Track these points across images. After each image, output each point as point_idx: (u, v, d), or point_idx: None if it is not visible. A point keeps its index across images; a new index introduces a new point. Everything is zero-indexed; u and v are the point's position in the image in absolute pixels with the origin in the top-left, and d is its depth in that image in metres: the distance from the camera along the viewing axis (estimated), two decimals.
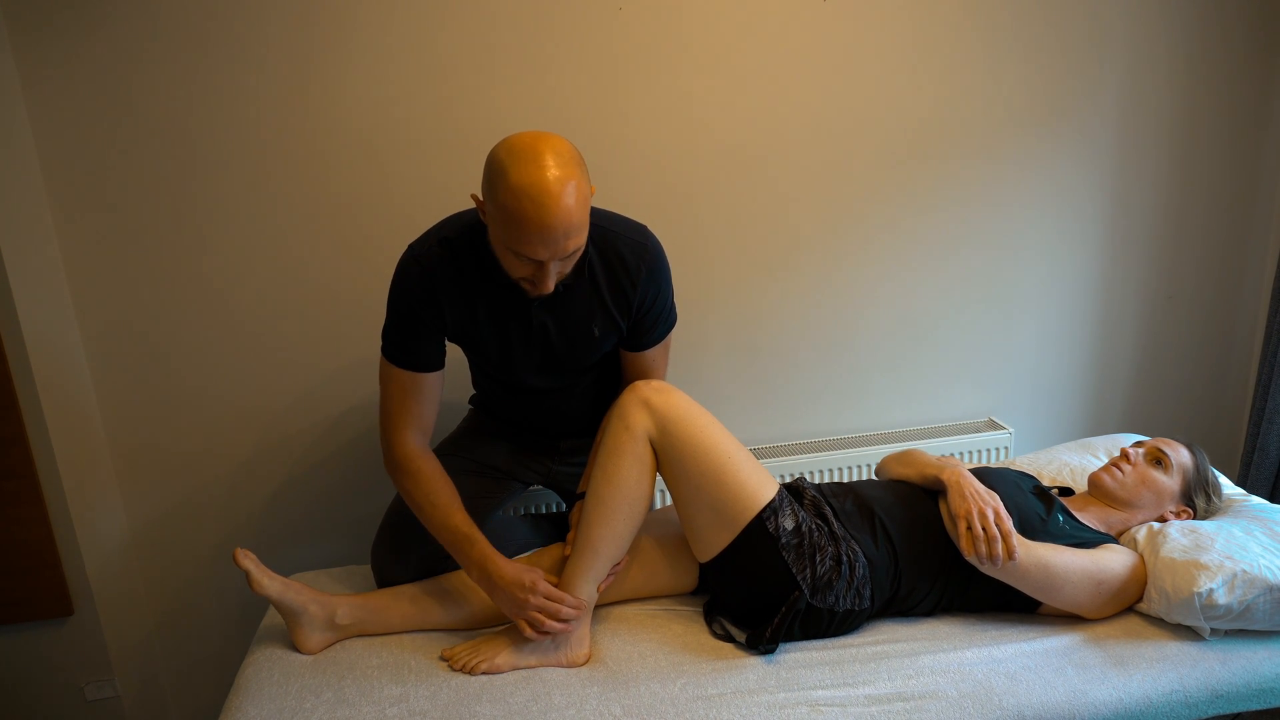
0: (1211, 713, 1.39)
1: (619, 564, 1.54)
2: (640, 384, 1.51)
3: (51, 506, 1.78)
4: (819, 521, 1.52)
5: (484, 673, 1.43)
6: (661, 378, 1.64)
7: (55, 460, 1.76)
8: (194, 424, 1.94)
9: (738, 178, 2.04)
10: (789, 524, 1.47)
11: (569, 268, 1.39)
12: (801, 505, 1.56)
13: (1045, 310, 2.32)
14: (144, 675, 2.04)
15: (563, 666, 1.46)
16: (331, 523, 2.07)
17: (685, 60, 1.93)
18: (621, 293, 1.50)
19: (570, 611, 1.44)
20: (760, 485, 1.49)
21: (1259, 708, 1.42)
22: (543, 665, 1.45)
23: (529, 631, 1.43)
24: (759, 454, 2.18)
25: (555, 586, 1.48)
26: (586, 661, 1.48)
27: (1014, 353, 2.33)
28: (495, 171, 1.28)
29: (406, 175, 1.87)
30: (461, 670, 1.44)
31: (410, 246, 1.49)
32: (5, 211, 1.65)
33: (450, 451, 1.71)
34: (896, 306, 2.22)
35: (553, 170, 1.26)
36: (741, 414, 2.22)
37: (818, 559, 1.46)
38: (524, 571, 1.45)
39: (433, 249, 1.46)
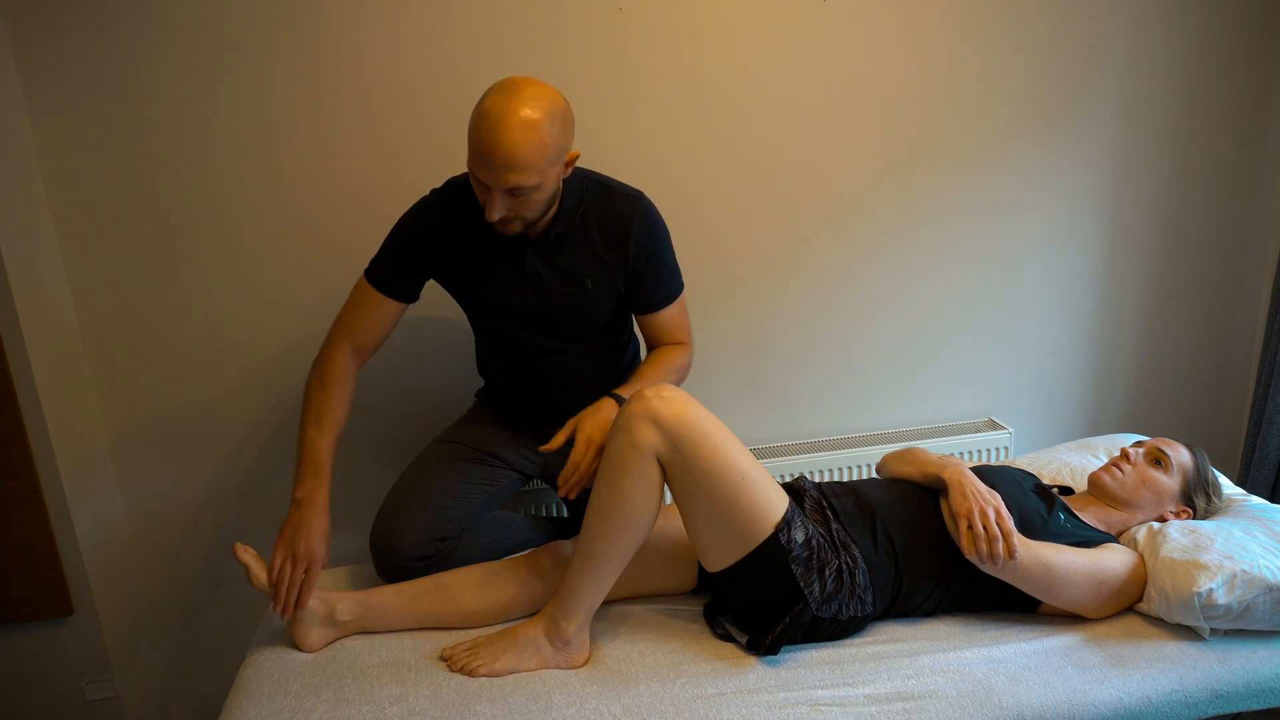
0: (1211, 713, 1.39)
1: None
2: (649, 393, 1.40)
3: (51, 506, 1.77)
4: (822, 530, 1.51)
5: (484, 675, 1.43)
6: (685, 338, 1.69)
7: (55, 460, 1.76)
8: (195, 424, 1.95)
9: (738, 177, 2.04)
10: (800, 536, 1.44)
11: (526, 210, 1.44)
12: (804, 509, 1.56)
13: (1045, 310, 2.32)
14: (144, 675, 2.04)
15: (563, 669, 1.46)
16: (333, 522, 2.06)
17: (685, 60, 1.93)
18: (617, 243, 1.56)
19: (280, 605, 1.46)
20: (773, 503, 1.44)
21: (1259, 708, 1.42)
22: (543, 669, 1.45)
23: (273, 569, 1.48)
24: (759, 454, 2.18)
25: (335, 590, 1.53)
26: (584, 664, 1.47)
27: (1014, 353, 2.33)
28: (479, 101, 1.39)
29: (409, 176, 1.87)
30: (460, 672, 1.44)
31: (439, 187, 1.60)
32: (5, 211, 1.65)
33: (450, 438, 1.73)
34: (897, 306, 2.22)
35: (516, 102, 1.34)
36: (741, 414, 2.22)
37: (826, 572, 1.45)
38: (317, 541, 1.50)
39: (446, 192, 1.57)
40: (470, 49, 1.83)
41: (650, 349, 1.71)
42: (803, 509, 1.55)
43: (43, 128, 1.71)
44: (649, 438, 1.38)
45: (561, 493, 1.48)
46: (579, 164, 1.60)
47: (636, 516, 1.42)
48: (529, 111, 1.34)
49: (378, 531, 1.64)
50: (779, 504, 1.44)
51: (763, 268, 2.12)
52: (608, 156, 1.94)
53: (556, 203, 1.52)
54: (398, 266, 1.58)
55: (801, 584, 1.42)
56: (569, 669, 1.45)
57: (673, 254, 1.65)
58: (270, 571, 1.49)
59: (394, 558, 1.61)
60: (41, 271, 1.74)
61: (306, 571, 1.48)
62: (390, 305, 1.59)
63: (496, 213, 1.41)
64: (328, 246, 1.89)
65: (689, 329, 1.72)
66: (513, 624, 1.51)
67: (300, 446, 1.56)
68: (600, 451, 1.46)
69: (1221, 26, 2.17)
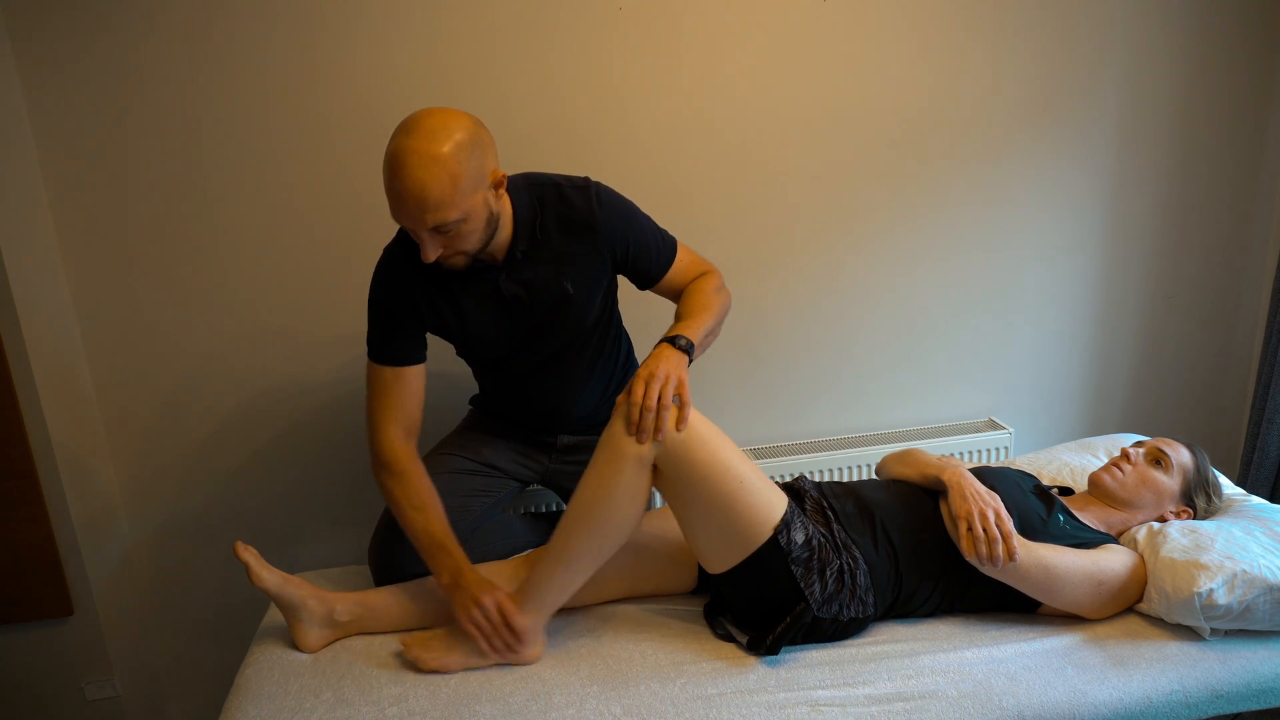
0: (1211, 713, 1.39)
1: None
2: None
3: (51, 506, 1.78)
4: (824, 530, 1.51)
5: (434, 670, 1.41)
6: (711, 267, 1.65)
7: (55, 460, 1.76)
8: (195, 425, 1.95)
9: (737, 177, 2.04)
10: (799, 537, 1.44)
11: (462, 245, 1.39)
12: (804, 510, 1.56)
13: (1045, 310, 2.32)
14: (144, 675, 2.04)
15: (513, 664, 1.44)
16: (332, 523, 2.07)
17: (685, 60, 1.93)
18: (584, 239, 1.50)
19: (503, 642, 1.42)
20: (771, 505, 1.43)
21: (1259, 708, 1.42)
22: (494, 664, 1.43)
23: (471, 630, 1.42)
24: (759, 454, 2.18)
25: (514, 605, 1.44)
26: (536, 660, 1.45)
27: (1014, 353, 2.33)
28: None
29: None
30: (413, 663, 1.42)
31: (386, 247, 1.54)
32: (5, 211, 1.65)
33: (449, 450, 1.72)
34: (897, 306, 2.22)
35: (417, 140, 1.28)
36: (742, 414, 2.22)
37: (827, 573, 1.45)
38: (489, 586, 1.44)
39: (400, 245, 1.51)
40: (470, 50, 1.83)
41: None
42: (803, 510, 1.55)
43: (43, 128, 1.71)
44: (646, 444, 1.38)
45: (632, 431, 1.38)
46: (522, 170, 1.56)
47: (620, 519, 1.41)
48: (431, 147, 1.28)
49: (376, 549, 1.63)
50: (778, 505, 1.44)
51: (763, 267, 2.12)
52: (607, 156, 1.95)
53: (510, 223, 1.47)
54: (392, 334, 1.52)
55: (802, 585, 1.42)
56: (519, 664, 1.44)
57: (647, 220, 1.58)
58: (480, 645, 1.43)
59: (393, 575, 1.61)
60: (41, 271, 1.74)
61: (501, 609, 1.43)
62: (408, 373, 1.53)
63: (430, 253, 1.36)
64: (329, 246, 1.89)
65: (705, 262, 1.66)
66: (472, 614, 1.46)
67: (416, 539, 1.49)
68: (671, 386, 1.37)
69: (1221, 27, 2.17)
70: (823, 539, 1.47)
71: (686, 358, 1.44)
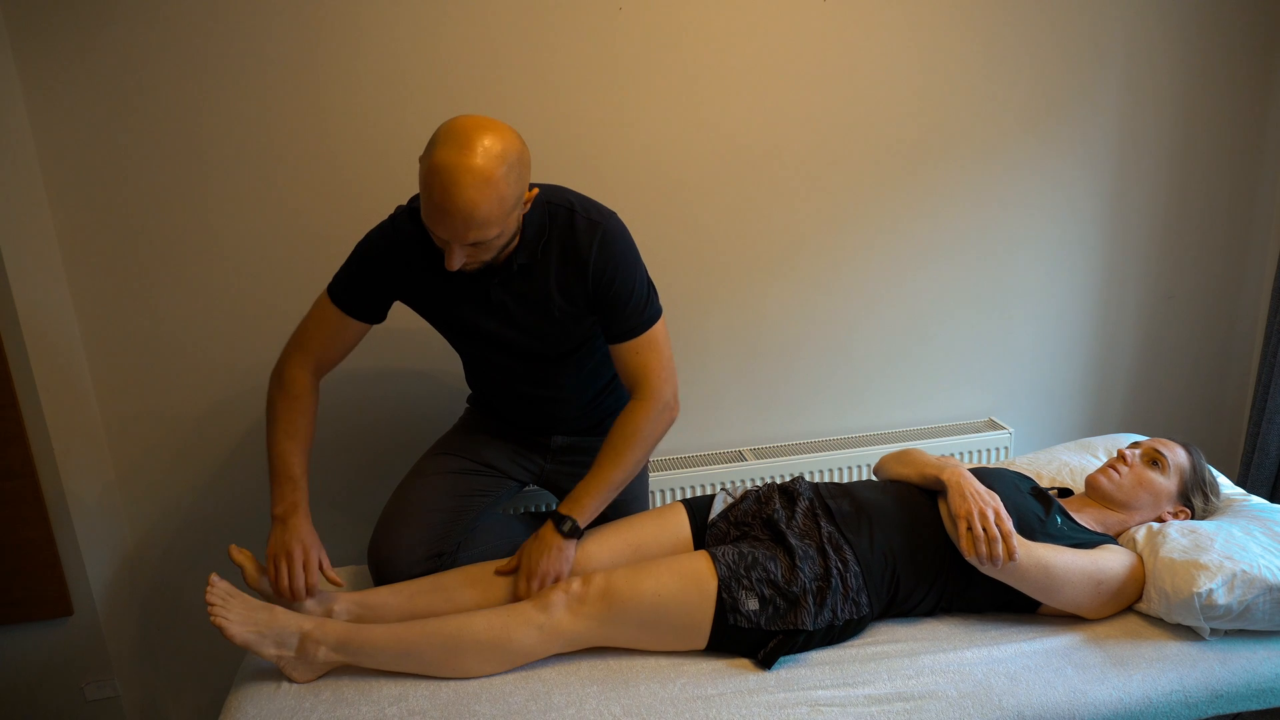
0: (1211, 713, 1.39)
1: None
2: (575, 582, 1.47)
3: (51, 506, 1.78)
4: (812, 541, 1.50)
5: (215, 623, 1.39)
6: (659, 383, 1.54)
7: (55, 460, 1.76)
8: (194, 424, 1.95)
9: (738, 178, 2.04)
10: (753, 604, 1.43)
11: (485, 255, 1.39)
12: (795, 511, 1.56)
13: (1045, 310, 2.32)
14: (144, 675, 2.04)
15: (282, 673, 1.43)
16: (331, 522, 2.07)
17: (685, 60, 1.93)
18: (576, 273, 1.49)
19: (291, 588, 1.45)
20: (700, 594, 1.43)
21: (1259, 708, 1.42)
22: (273, 660, 1.42)
23: (269, 565, 1.47)
24: (759, 454, 2.18)
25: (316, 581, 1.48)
26: (301, 683, 1.43)
27: (1014, 353, 2.33)
28: (429, 143, 1.31)
29: (409, 171, 1.87)
30: (208, 606, 1.40)
31: (405, 205, 1.54)
32: (5, 211, 1.65)
33: (449, 451, 1.72)
34: (897, 306, 2.22)
35: (470, 159, 1.26)
36: (741, 414, 2.22)
37: (805, 596, 1.44)
38: (310, 541, 1.48)
39: (410, 216, 1.51)
40: (470, 50, 1.83)
41: (624, 381, 1.59)
42: (793, 513, 1.56)
43: (43, 128, 1.71)
44: (567, 622, 1.44)
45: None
46: (547, 180, 1.55)
47: (470, 671, 1.42)
48: (484, 165, 1.26)
49: (375, 551, 1.62)
50: (706, 589, 1.44)
51: (763, 267, 2.12)
52: (608, 157, 1.95)
53: (518, 234, 1.46)
54: (362, 288, 1.52)
55: (785, 626, 1.43)
56: (287, 675, 1.42)
57: (640, 283, 1.52)
58: (270, 581, 1.47)
59: (393, 577, 1.61)
60: (41, 271, 1.74)
61: (305, 562, 1.47)
62: (354, 325, 1.54)
63: (456, 263, 1.35)
64: (330, 246, 1.89)
65: (662, 370, 1.54)
66: (284, 610, 1.46)
67: (272, 461, 1.51)
68: (549, 582, 1.49)
69: (1221, 27, 2.17)
70: (786, 574, 1.45)
71: (573, 542, 1.53)
